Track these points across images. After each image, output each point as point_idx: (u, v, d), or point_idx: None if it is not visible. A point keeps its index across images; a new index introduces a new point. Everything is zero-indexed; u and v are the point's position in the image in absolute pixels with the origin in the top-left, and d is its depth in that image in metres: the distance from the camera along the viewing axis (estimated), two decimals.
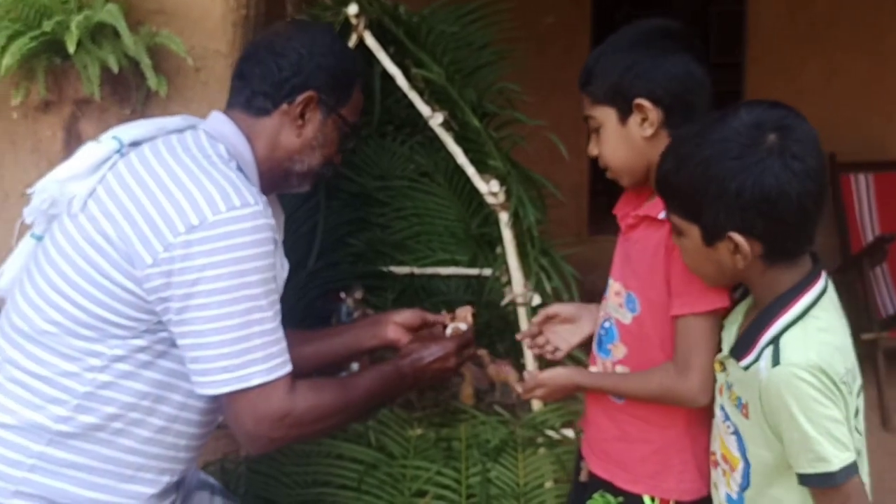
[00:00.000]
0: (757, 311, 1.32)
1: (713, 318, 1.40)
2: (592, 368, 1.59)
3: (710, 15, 6.05)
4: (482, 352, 2.07)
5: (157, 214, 1.35)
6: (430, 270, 2.30)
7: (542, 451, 1.92)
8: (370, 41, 1.88)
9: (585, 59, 1.49)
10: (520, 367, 2.03)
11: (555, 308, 1.66)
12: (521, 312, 1.92)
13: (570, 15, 4.60)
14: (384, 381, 1.56)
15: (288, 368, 1.38)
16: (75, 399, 1.38)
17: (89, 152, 1.47)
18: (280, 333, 1.38)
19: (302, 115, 1.55)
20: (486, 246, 2.26)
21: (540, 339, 1.68)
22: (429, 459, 1.88)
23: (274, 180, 1.57)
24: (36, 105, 1.94)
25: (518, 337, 1.71)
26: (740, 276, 1.34)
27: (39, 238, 1.53)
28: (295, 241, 2.14)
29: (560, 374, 1.55)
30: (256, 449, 1.43)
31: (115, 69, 1.81)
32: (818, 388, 1.20)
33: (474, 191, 2.04)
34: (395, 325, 1.75)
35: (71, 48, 1.76)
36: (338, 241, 2.26)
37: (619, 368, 1.53)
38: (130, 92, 1.91)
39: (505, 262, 1.94)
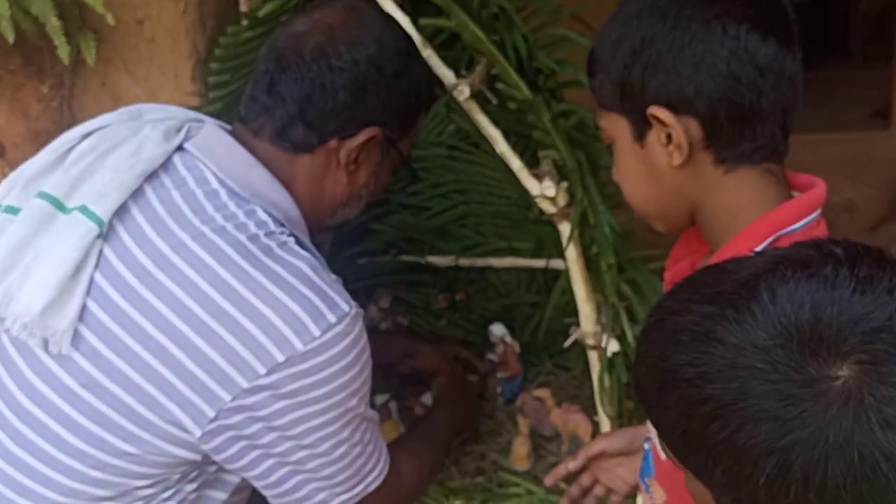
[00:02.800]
0: None
1: None
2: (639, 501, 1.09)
3: None
4: (544, 393, 1.55)
5: (220, 355, 0.99)
6: (480, 262, 1.76)
7: None
8: None
9: None
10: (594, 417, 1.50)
11: (600, 445, 1.16)
12: (592, 358, 1.36)
13: None
14: (452, 419, 1.44)
15: (388, 455, 1.18)
16: None
17: (60, 256, 0.99)
18: (377, 419, 1.17)
19: (356, 158, 1.14)
20: (554, 230, 1.69)
21: (585, 480, 1.17)
22: None
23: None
24: None
25: (547, 481, 1.21)
26: None
27: None
28: None
29: None
30: None
31: (10, 37, 1.29)
32: None
33: (536, 158, 1.46)
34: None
35: None
36: (359, 228, 1.73)
37: None
38: (45, 61, 1.40)
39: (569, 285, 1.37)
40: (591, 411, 1.56)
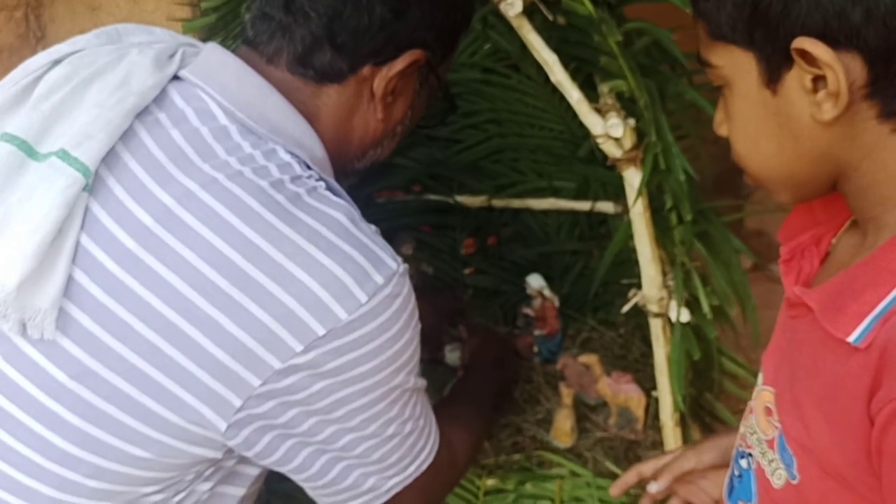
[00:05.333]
0: None
1: None
2: None
3: None
4: (591, 359, 1.36)
5: (245, 332, 0.81)
6: (516, 203, 1.55)
7: None
8: None
9: None
10: (649, 388, 1.32)
11: (689, 463, 0.97)
12: (655, 327, 1.16)
13: None
14: (492, 382, 1.32)
15: (438, 430, 1.03)
16: None
17: (37, 216, 0.79)
18: (425, 386, 1.00)
19: (394, 89, 0.96)
20: (601, 168, 1.47)
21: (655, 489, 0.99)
22: None
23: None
24: None
25: (612, 491, 1.04)
26: None
27: None
28: None
29: None
30: None
31: None
32: None
33: (589, 85, 1.24)
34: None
35: None
36: (381, 163, 1.52)
37: None
38: None
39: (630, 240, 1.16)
40: (641, 377, 1.38)
